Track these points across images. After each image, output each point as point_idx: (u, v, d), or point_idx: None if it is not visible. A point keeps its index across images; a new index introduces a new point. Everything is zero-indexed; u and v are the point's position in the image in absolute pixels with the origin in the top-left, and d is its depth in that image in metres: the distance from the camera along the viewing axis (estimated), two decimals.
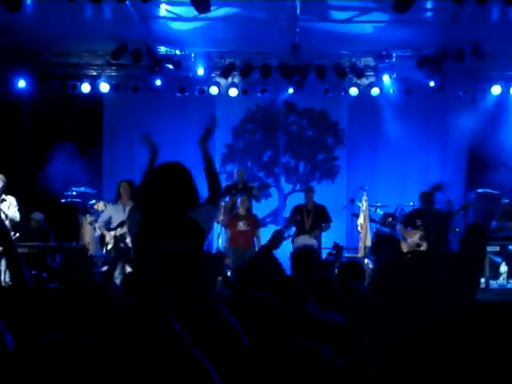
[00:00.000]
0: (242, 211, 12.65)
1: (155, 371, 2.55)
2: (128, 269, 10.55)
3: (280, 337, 3.53)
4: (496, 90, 14.03)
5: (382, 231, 12.74)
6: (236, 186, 13.35)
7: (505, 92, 14.08)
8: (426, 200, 12.16)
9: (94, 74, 14.29)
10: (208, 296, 3.68)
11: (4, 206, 10.25)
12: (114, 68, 14.20)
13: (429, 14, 12.02)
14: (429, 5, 11.64)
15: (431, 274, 2.18)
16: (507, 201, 12.89)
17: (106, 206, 11.93)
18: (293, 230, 13.13)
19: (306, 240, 12.39)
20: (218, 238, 12.83)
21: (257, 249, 12.48)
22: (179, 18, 12.13)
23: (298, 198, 13.97)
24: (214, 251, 12.95)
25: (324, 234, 13.19)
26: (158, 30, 12.78)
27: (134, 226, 4.72)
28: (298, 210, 13.10)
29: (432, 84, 13.82)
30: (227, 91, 14.24)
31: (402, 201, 13.41)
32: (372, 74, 14.11)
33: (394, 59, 13.60)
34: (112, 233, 11.05)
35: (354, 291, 5.09)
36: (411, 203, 13.00)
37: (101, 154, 15.00)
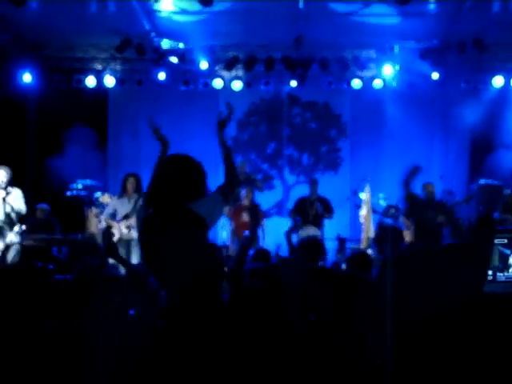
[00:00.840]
0: (245, 202, 12.73)
1: None
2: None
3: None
4: (498, 81, 14.06)
5: (385, 222, 12.83)
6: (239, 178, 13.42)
7: (507, 83, 14.09)
8: (425, 191, 12.25)
9: (99, 67, 14.35)
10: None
11: (10, 198, 10.30)
12: (118, 62, 14.26)
13: (431, 5, 12.04)
14: None
15: (439, 265, 2.21)
16: (510, 191, 12.94)
17: (111, 198, 12.01)
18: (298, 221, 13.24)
19: (310, 231, 12.46)
20: (222, 229, 12.92)
21: (260, 240, 12.58)
22: (183, 12, 12.18)
23: (301, 190, 14.06)
24: (218, 243, 13.07)
25: (327, 225, 13.27)
26: (161, 23, 12.82)
27: (141, 218, 4.78)
28: (301, 201, 13.18)
29: (434, 76, 13.84)
30: (231, 84, 14.30)
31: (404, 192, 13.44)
32: (375, 66, 14.15)
33: (396, 51, 13.62)
34: (118, 224, 11.15)
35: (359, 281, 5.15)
36: None
37: (106, 147, 15.07)
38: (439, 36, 13.14)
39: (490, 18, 11.77)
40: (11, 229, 10.33)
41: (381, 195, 13.31)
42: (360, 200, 13.02)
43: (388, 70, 13.91)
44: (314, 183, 13.32)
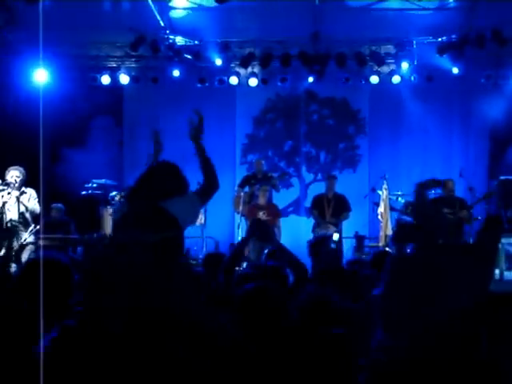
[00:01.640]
0: (261, 201, 12.63)
1: None
2: None
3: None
4: None
5: (403, 220, 12.68)
6: (255, 176, 13.33)
7: None
8: (445, 188, 12.12)
9: (114, 65, 14.30)
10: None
11: (24, 198, 10.28)
12: (133, 59, 14.20)
13: (449, 0, 11.90)
14: None
15: (446, 264, 2.16)
16: None
17: None
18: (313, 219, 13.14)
19: (326, 229, 12.36)
20: (238, 228, 12.83)
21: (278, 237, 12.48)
22: (198, 8, 12.11)
23: (319, 188, 13.93)
24: (235, 242, 12.98)
25: (346, 223, 13.15)
26: (176, 20, 12.76)
27: (116, 215, 4.80)
28: (318, 199, 13.07)
29: (453, 71, 13.67)
30: (247, 81, 14.18)
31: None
32: (393, 61, 14.00)
33: (414, 46, 13.47)
34: None
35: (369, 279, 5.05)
36: (433, 191, 12.90)
37: (122, 146, 15.04)
38: (458, 30, 12.98)
39: (509, 12, 11.59)
40: (26, 229, 10.28)
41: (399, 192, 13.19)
42: (378, 197, 12.87)
43: (406, 66, 13.74)
44: (331, 180, 13.20)
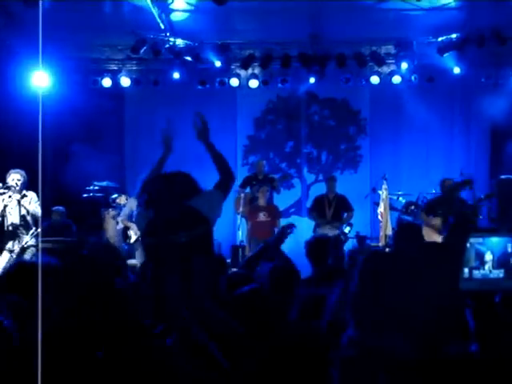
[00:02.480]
0: (261, 202, 12.64)
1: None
2: None
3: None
4: None
5: (404, 219, 12.68)
6: (256, 177, 13.35)
7: None
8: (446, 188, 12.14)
9: (115, 68, 14.33)
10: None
11: (25, 201, 10.29)
12: (134, 62, 14.23)
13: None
14: None
15: (417, 262, 2.22)
16: None
17: (128, 199, 11.99)
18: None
19: (326, 230, 12.36)
20: (239, 229, 12.85)
21: None
22: (198, 11, 12.12)
23: (320, 188, 13.94)
24: (236, 243, 12.99)
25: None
26: (176, 22, 12.78)
27: (141, 222, 4.83)
28: (319, 200, 13.09)
29: (454, 71, 13.68)
30: (248, 82, 14.20)
31: (425, 189, 13.33)
32: (393, 61, 14.02)
33: (414, 46, 13.47)
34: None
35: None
36: (433, 191, 12.92)
37: (123, 148, 15.08)
38: (458, 30, 12.98)
39: (509, 11, 11.59)
40: (27, 232, 10.30)
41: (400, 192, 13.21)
42: (379, 197, 12.88)
43: (407, 66, 13.75)
44: (331, 181, 13.22)
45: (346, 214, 13.06)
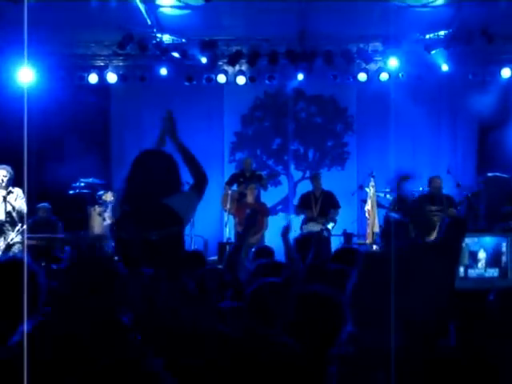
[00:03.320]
0: (249, 199, 12.62)
1: None
2: None
3: None
4: (506, 72, 13.88)
5: (392, 216, 12.69)
6: (243, 174, 13.33)
7: None
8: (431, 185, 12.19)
9: (101, 64, 14.25)
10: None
11: (11, 197, 10.24)
12: (120, 58, 14.15)
13: None
14: None
15: (414, 261, 2.22)
16: None
17: (114, 196, 11.94)
18: (301, 217, 13.14)
19: (313, 227, 12.37)
20: (226, 226, 12.84)
21: (266, 238, 12.46)
22: (185, 7, 12.08)
23: (307, 186, 13.93)
24: (223, 240, 12.97)
25: None
26: (163, 18, 12.73)
27: (116, 215, 4.75)
28: (305, 197, 13.09)
29: (441, 68, 13.69)
30: (235, 79, 14.16)
31: (412, 186, 13.34)
32: (380, 58, 14.01)
33: (402, 44, 13.46)
34: None
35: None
36: (420, 188, 12.94)
37: (109, 145, 15.00)
38: (445, 27, 12.99)
39: (497, 9, 11.61)
40: (13, 228, 10.24)
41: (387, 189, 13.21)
42: (366, 195, 12.89)
43: (394, 63, 13.74)
44: (315, 178, 13.22)
45: (332, 211, 13.07)
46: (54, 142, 13.55)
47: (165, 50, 13.37)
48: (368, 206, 12.59)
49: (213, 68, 14.01)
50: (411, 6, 11.93)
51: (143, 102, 14.83)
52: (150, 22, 12.61)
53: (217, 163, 14.80)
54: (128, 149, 14.80)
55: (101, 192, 12.46)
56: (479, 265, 2.45)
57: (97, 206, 12.36)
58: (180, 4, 11.99)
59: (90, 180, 12.88)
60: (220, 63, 14.11)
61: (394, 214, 12.53)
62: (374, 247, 11.93)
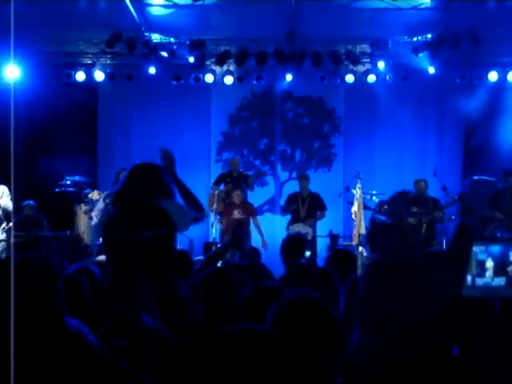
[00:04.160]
0: (236, 200, 12.63)
1: None
2: None
3: None
4: (493, 76, 13.95)
5: (378, 219, 12.73)
6: (230, 174, 13.32)
7: (502, 78, 13.98)
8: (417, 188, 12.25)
9: (89, 62, 14.21)
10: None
11: None
12: (108, 56, 14.11)
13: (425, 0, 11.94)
14: None
15: (423, 270, 2.25)
16: (499, 188, 12.86)
17: (100, 195, 11.91)
18: (288, 217, 13.16)
19: (300, 228, 12.38)
20: (212, 226, 12.83)
21: (252, 239, 12.47)
22: (174, 6, 12.07)
23: (294, 186, 13.93)
24: (209, 240, 12.95)
25: (320, 222, 13.19)
26: (152, 17, 12.71)
27: (105, 216, 4.76)
28: (292, 198, 13.10)
29: (429, 70, 13.73)
30: (223, 79, 14.15)
31: (398, 188, 13.38)
32: (368, 60, 14.04)
33: (390, 46, 13.50)
34: None
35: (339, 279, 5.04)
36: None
37: (96, 143, 14.94)
38: (433, 30, 13.03)
39: (484, 13, 11.65)
40: None
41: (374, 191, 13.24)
42: (352, 196, 12.91)
43: (382, 65, 13.78)
44: (302, 178, 13.22)
45: (318, 213, 13.09)
46: (41, 140, 13.48)
47: (153, 48, 13.34)
48: (354, 208, 12.61)
49: (201, 67, 13.99)
50: (399, 8, 11.95)
51: (130, 100, 14.80)
52: (138, 21, 12.59)
53: (204, 163, 14.80)
54: (115, 147, 14.81)
55: (87, 190, 12.42)
56: (487, 274, 2.47)
57: (83, 205, 12.32)
58: (168, 3, 11.97)
59: (77, 178, 12.86)
60: (208, 63, 14.10)
61: (380, 216, 12.58)
62: (360, 249, 11.96)
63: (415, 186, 12.51)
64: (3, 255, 10.17)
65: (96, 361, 2.36)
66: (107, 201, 11.42)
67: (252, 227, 12.92)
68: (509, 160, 12.96)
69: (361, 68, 14.15)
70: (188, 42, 13.39)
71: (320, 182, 13.93)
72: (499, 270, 2.51)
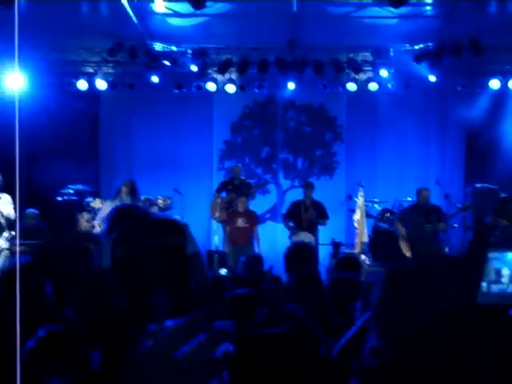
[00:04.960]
0: (240, 208, 12.61)
1: None
2: None
3: None
4: (494, 84, 13.95)
5: (380, 227, 12.73)
6: (232, 182, 13.32)
7: (503, 86, 13.98)
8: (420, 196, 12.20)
9: (91, 71, 14.22)
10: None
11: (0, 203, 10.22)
12: (110, 65, 14.13)
13: (427, 8, 11.95)
14: None
15: (439, 276, 2.26)
16: (505, 195, 12.85)
17: (102, 203, 11.91)
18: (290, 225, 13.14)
19: (303, 236, 12.35)
20: (214, 234, 12.83)
21: (255, 246, 12.45)
22: (175, 15, 12.09)
23: (296, 194, 13.94)
24: (212, 248, 12.95)
25: (322, 230, 13.16)
26: (154, 26, 12.72)
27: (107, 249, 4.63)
28: (295, 206, 13.07)
29: (430, 79, 13.74)
30: (224, 87, 14.17)
31: (400, 196, 13.39)
32: (370, 69, 14.05)
33: (391, 54, 13.52)
34: None
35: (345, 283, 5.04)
36: (409, 198, 12.96)
37: (98, 151, 14.96)
38: (434, 38, 13.04)
39: (486, 21, 11.67)
40: (0, 235, 10.19)
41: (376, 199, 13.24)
42: (354, 204, 12.90)
43: (383, 73, 13.79)
44: (308, 187, 13.19)
45: (321, 221, 13.05)
46: (43, 148, 13.48)
47: (155, 57, 13.36)
48: (357, 216, 12.60)
49: (203, 76, 14.01)
50: (401, 16, 11.97)
51: (132, 109, 14.83)
52: (140, 30, 12.60)
53: (206, 171, 14.81)
54: (117, 156, 14.83)
55: (89, 199, 12.43)
56: (503, 280, 2.49)
57: (85, 213, 12.32)
58: (170, 12, 11.99)
59: (79, 187, 12.85)
60: (210, 71, 14.11)
61: (382, 224, 12.58)
62: (363, 257, 11.95)
63: (418, 194, 12.39)
64: (6, 263, 10.15)
65: None
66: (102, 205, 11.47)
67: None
68: (511, 167, 12.96)
69: (362, 76, 14.16)
70: (190, 51, 13.42)
71: (322, 190, 13.92)
72: None
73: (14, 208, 10.39)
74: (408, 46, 13.41)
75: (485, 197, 12.96)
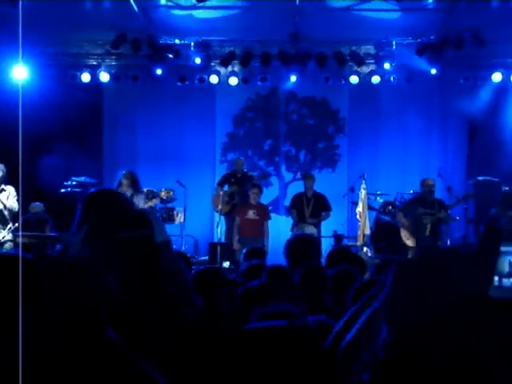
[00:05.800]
0: (252, 201, 12.59)
1: None
2: None
3: None
4: (497, 77, 13.95)
5: (382, 219, 12.76)
6: (235, 174, 13.34)
7: (505, 79, 13.99)
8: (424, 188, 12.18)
9: (94, 63, 14.25)
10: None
11: (3, 196, 10.25)
12: (113, 57, 14.16)
13: (429, 1, 11.95)
14: None
15: (450, 268, 2.28)
16: (507, 188, 12.88)
17: None
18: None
19: (305, 229, 12.37)
20: (217, 227, 12.85)
21: (264, 240, 12.43)
22: (178, 7, 12.11)
23: (298, 187, 13.95)
24: (214, 241, 12.99)
25: (324, 223, 13.19)
26: (157, 18, 12.75)
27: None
28: (297, 198, 13.08)
29: (432, 72, 13.75)
30: (227, 80, 14.19)
31: (403, 189, 13.42)
32: (372, 61, 14.05)
33: (394, 47, 13.53)
34: None
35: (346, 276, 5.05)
36: (411, 191, 13.00)
37: (101, 144, 15.00)
38: (437, 31, 13.06)
39: (488, 14, 11.68)
40: (4, 226, 10.24)
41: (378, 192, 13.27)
42: (357, 197, 12.93)
43: (386, 66, 13.79)
44: (307, 178, 13.18)
45: (323, 213, 13.05)
46: (46, 141, 13.51)
47: (158, 50, 13.38)
48: (359, 208, 12.64)
49: (205, 69, 14.03)
50: (403, 9, 11.99)
51: (136, 101, 14.86)
52: (143, 22, 12.63)
53: (208, 163, 14.85)
54: (120, 148, 14.88)
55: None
56: None
57: None
58: (172, 4, 12.01)
59: (82, 179, 12.87)
60: (213, 64, 14.14)
61: (384, 217, 12.61)
62: (365, 249, 11.99)
63: (423, 184, 12.25)
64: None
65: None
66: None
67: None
68: None
69: (365, 69, 14.17)
70: (193, 43, 13.45)
71: (324, 183, 13.94)
72: None
73: (18, 200, 10.44)
74: (410, 39, 13.41)
75: (486, 189, 13.00)
